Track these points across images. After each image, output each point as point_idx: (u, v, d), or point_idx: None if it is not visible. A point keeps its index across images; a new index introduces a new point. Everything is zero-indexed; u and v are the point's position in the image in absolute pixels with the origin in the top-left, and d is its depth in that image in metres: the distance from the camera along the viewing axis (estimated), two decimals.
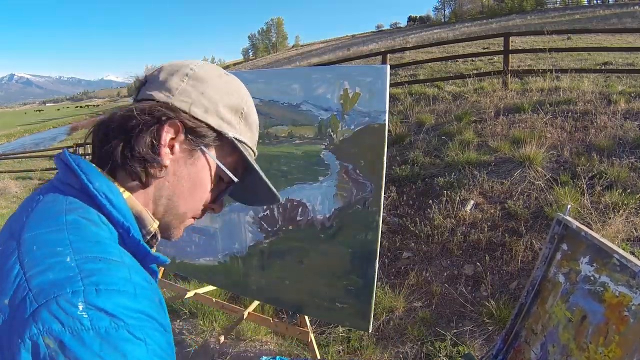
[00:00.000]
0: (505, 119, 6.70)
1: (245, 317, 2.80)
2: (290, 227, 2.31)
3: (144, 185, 0.73)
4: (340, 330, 3.52)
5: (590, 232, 1.54)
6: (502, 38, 9.36)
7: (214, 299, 3.05)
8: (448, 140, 6.33)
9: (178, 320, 4.02)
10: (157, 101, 0.74)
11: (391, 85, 9.77)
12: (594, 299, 1.43)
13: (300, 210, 2.25)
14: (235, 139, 0.79)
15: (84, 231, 0.62)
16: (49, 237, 0.60)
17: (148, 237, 0.75)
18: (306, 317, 2.61)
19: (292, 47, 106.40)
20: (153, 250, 0.74)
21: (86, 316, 0.51)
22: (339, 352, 3.35)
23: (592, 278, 1.47)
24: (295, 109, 2.23)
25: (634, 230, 3.83)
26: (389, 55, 11.14)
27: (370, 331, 2.26)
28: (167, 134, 0.72)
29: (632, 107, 6.31)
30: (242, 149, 0.80)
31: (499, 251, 4.12)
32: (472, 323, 3.51)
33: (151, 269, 0.73)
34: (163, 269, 3.29)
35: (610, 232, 3.69)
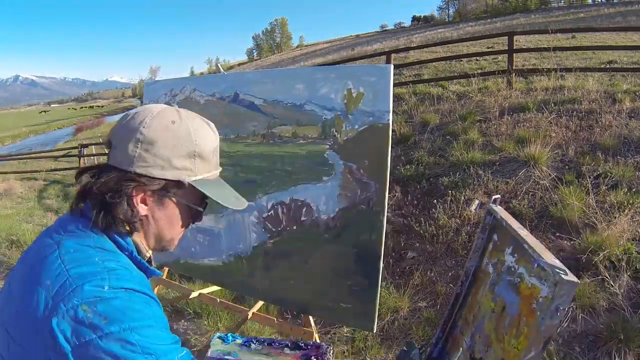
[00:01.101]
0: (509, 118, 6.68)
1: (249, 317, 2.80)
2: (295, 227, 2.31)
3: (134, 231, 0.99)
4: (345, 331, 3.52)
5: (510, 221, 1.54)
6: (507, 37, 9.35)
7: (218, 299, 3.05)
8: (452, 139, 6.32)
9: (183, 321, 4.03)
10: (124, 169, 0.94)
11: (395, 85, 9.77)
12: (512, 290, 1.43)
13: (304, 210, 2.25)
14: (193, 182, 1.00)
15: (106, 251, 0.92)
16: (84, 250, 0.90)
17: (146, 259, 1.04)
18: (310, 318, 2.61)
19: (297, 47, 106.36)
20: (152, 265, 1.07)
21: (109, 291, 0.82)
22: (344, 352, 3.35)
23: (512, 269, 1.47)
24: (299, 108, 2.23)
25: (639, 230, 3.81)
26: (393, 55, 11.14)
27: (374, 331, 2.26)
28: (138, 198, 0.95)
29: (637, 106, 6.28)
30: (199, 187, 1.01)
31: None
32: None
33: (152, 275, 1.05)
34: (167, 269, 3.30)
35: (615, 232, 3.68)
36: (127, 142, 0.94)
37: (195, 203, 1.05)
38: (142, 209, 0.97)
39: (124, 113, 1.07)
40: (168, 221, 1.03)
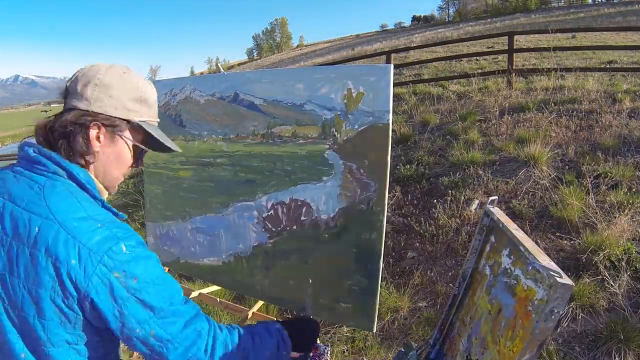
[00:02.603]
0: (509, 118, 6.69)
1: (249, 317, 2.80)
2: (294, 227, 2.30)
3: (89, 165, 1.13)
4: (345, 330, 3.52)
5: (507, 222, 1.54)
6: (507, 37, 9.35)
7: (218, 299, 3.05)
8: (453, 139, 6.32)
9: None
10: (81, 109, 1.10)
11: (395, 84, 9.76)
12: (508, 292, 1.43)
13: (304, 210, 2.25)
14: (140, 122, 1.19)
15: (92, 207, 1.06)
16: (79, 215, 1.01)
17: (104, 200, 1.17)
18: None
19: (297, 47, 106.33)
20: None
21: (127, 252, 1.01)
22: (344, 352, 3.35)
23: (509, 271, 1.46)
24: (298, 108, 2.22)
25: (639, 230, 3.81)
26: (393, 55, 11.14)
27: (374, 331, 2.25)
28: (92, 132, 1.11)
29: (637, 105, 6.28)
30: (145, 127, 1.19)
31: None
32: None
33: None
34: (167, 268, 3.30)
35: (615, 232, 3.68)
36: (86, 87, 1.11)
37: (140, 142, 1.21)
38: (96, 145, 1.12)
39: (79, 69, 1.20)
40: (116, 158, 1.17)
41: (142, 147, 1.23)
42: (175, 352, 1.06)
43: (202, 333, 1.12)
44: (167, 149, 1.32)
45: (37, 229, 0.98)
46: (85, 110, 1.10)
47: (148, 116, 1.22)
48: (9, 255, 0.98)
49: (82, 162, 1.11)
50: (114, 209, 1.16)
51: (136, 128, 1.19)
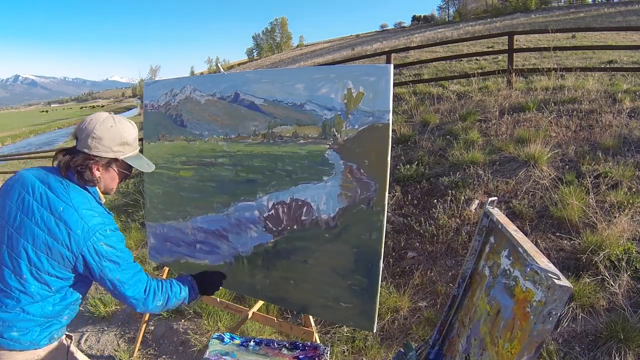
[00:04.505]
0: (510, 118, 6.69)
1: (249, 317, 2.80)
2: (295, 227, 2.31)
3: (94, 185, 1.84)
4: (345, 330, 3.52)
5: (506, 223, 1.53)
6: (507, 37, 9.35)
7: (218, 299, 3.05)
8: (453, 139, 6.32)
9: (183, 320, 4.03)
10: (85, 153, 1.74)
11: (395, 84, 9.77)
12: (507, 293, 1.42)
13: (304, 209, 2.25)
14: (124, 158, 1.82)
15: (94, 204, 1.79)
16: (86, 207, 1.73)
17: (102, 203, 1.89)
18: (310, 317, 2.61)
19: (297, 47, 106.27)
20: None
21: (109, 232, 1.73)
22: (344, 352, 3.35)
23: (507, 272, 1.46)
24: (299, 108, 2.23)
25: (639, 230, 3.81)
26: (393, 55, 11.14)
27: (374, 331, 2.26)
28: (94, 168, 1.77)
29: (638, 105, 6.29)
30: (127, 161, 1.84)
31: None
32: None
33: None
34: (168, 269, 3.30)
35: (615, 232, 3.67)
36: (87, 138, 1.73)
37: (124, 169, 1.88)
38: (97, 174, 1.79)
39: (86, 117, 1.81)
40: (111, 179, 1.85)
41: (126, 172, 1.90)
42: (128, 289, 1.77)
43: (142, 281, 1.84)
44: (146, 168, 1.93)
45: (61, 209, 1.67)
46: (87, 154, 1.74)
47: (130, 152, 1.85)
48: (39, 216, 1.66)
49: (91, 183, 1.80)
50: (106, 209, 1.85)
51: (121, 161, 1.83)
